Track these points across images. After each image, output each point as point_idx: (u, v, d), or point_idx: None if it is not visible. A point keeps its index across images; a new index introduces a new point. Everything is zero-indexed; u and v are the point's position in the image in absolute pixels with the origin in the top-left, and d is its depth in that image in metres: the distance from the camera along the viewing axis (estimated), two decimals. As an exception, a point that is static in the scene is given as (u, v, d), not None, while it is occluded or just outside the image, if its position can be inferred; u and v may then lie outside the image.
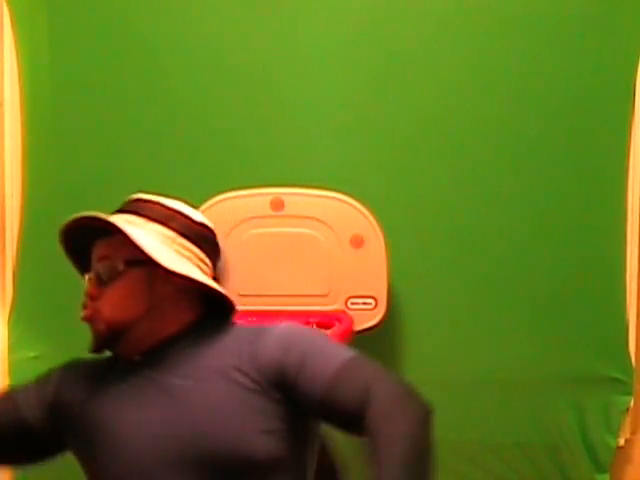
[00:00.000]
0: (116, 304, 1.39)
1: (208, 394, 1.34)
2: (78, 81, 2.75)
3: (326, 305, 2.46)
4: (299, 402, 1.33)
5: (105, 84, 2.74)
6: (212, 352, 1.39)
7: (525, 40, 2.66)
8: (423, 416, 1.26)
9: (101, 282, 1.40)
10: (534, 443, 2.72)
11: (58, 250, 2.88)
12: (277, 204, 2.49)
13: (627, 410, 2.71)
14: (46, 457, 1.51)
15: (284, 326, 1.40)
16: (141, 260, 1.38)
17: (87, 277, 1.44)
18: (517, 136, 2.69)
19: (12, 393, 1.49)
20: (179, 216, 1.45)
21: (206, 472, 1.31)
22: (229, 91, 2.72)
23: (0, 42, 2.79)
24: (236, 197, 2.52)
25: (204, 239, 1.46)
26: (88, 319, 1.40)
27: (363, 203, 2.47)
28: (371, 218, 2.46)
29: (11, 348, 2.78)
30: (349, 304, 2.46)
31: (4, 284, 2.82)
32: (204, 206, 2.57)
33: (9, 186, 2.82)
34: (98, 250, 1.44)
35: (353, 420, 1.28)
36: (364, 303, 2.46)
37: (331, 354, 1.35)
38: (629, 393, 2.70)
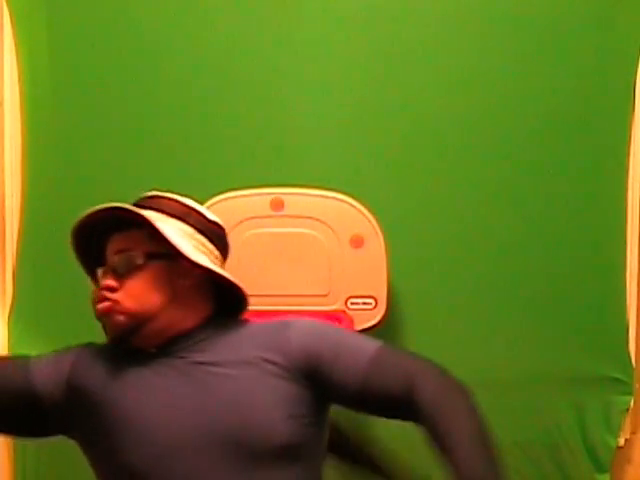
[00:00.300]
0: (137, 296, 1.41)
1: (234, 380, 1.36)
2: (78, 81, 2.75)
3: (326, 305, 2.46)
4: (332, 390, 1.37)
5: (105, 84, 2.73)
6: (233, 343, 1.41)
7: (524, 40, 2.66)
8: (468, 391, 1.34)
9: (119, 275, 1.41)
10: (534, 443, 2.72)
11: (58, 250, 2.88)
12: (277, 204, 2.49)
13: (627, 410, 2.71)
14: (42, 434, 1.49)
15: (306, 319, 1.45)
16: (162, 253, 1.40)
17: (101, 270, 1.44)
18: (517, 136, 2.69)
19: (28, 363, 1.46)
20: (195, 213, 1.47)
21: (232, 456, 1.32)
22: (229, 91, 2.72)
23: (0, 42, 2.79)
24: (236, 197, 2.51)
25: (217, 237, 1.49)
26: (107, 311, 1.41)
27: (363, 203, 2.47)
28: (371, 218, 2.46)
29: (11, 348, 2.78)
30: (349, 304, 2.46)
31: (4, 284, 2.82)
32: (204, 206, 2.57)
33: (9, 186, 2.82)
34: (115, 243, 1.45)
35: (398, 404, 1.33)
36: (364, 303, 2.46)
37: (362, 343, 1.40)
38: (629, 393, 2.70)
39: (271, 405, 1.34)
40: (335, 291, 2.47)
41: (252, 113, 2.71)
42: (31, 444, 2.78)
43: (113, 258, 1.43)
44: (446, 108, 2.68)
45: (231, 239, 2.56)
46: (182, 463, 1.32)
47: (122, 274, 1.41)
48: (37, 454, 2.78)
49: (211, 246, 1.47)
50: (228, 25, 2.71)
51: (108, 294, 1.41)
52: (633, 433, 2.77)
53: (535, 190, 2.69)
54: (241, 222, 2.49)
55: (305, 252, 2.47)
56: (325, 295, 2.47)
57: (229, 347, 1.40)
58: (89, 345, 1.49)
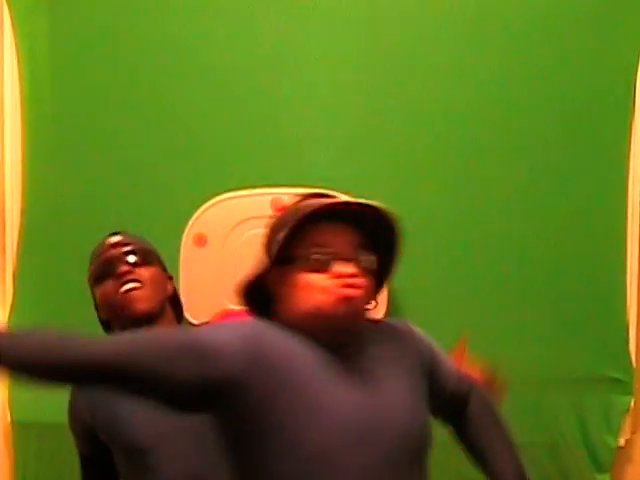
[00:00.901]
0: (366, 297, 1.46)
1: (396, 380, 1.44)
2: (78, 81, 2.75)
3: (326, 305, 2.46)
4: (435, 393, 1.53)
5: (105, 84, 2.73)
6: (384, 343, 1.50)
7: (525, 41, 2.66)
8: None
9: (362, 272, 1.44)
10: (534, 443, 2.71)
11: (58, 250, 2.87)
12: (277, 204, 2.49)
13: (627, 410, 2.71)
14: (198, 410, 1.42)
15: (413, 325, 1.61)
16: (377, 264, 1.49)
17: (345, 257, 1.43)
18: (517, 137, 2.68)
19: (197, 342, 1.36)
20: None
21: (398, 453, 1.39)
22: (230, 91, 2.72)
23: (0, 42, 2.79)
24: (236, 197, 2.52)
25: None
26: (356, 296, 1.40)
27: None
28: (371, 218, 2.46)
29: (11, 348, 2.78)
30: (349, 304, 2.45)
31: (4, 284, 2.82)
32: (204, 206, 2.57)
33: (9, 186, 2.82)
34: (352, 236, 1.46)
35: (460, 408, 1.59)
36: (364, 303, 2.45)
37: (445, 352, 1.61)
38: (629, 393, 2.70)
39: (423, 406, 1.47)
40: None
41: (252, 113, 2.70)
42: (31, 444, 2.78)
43: (360, 252, 1.45)
44: (446, 109, 2.68)
45: (231, 239, 2.59)
46: (361, 454, 1.35)
47: (365, 273, 1.44)
48: (37, 454, 2.78)
49: None
50: (230, 25, 2.71)
51: (359, 282, 1.42)
52: (633, 433, 2.77)
53: (535, 190, 2.69)
54: (241, 222, 2.49)
55: (305, 252, 2.46)
56: (325, 295, 2.46)
57: (384, 346, 1.49)
58: (265, 327, 1.45)
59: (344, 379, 1.39)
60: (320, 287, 1.40)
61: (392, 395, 1.41)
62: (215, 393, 1.36)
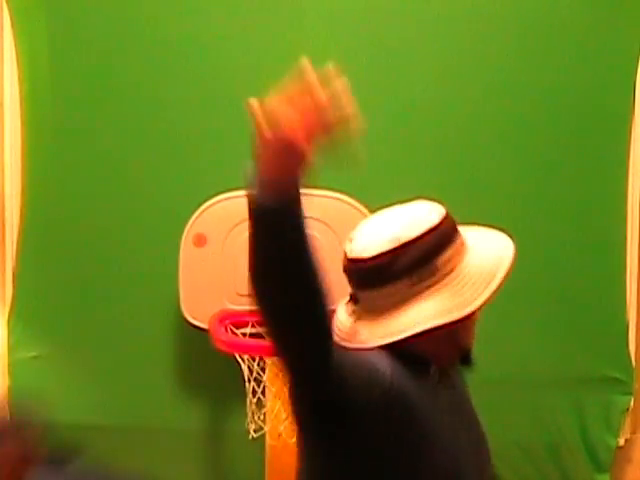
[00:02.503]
0: None
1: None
2: (78, 81, 2.75)
3: (326, 305, 2.45)
4: None
5: (105, 83, 2.73)
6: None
7: (525, 40, 2.66)
8: None
9: None
10: (534, 443, 2.72)
11: (58, 250, 2.88)
12: (277, 204, 2.48)
13: (627, 410, 2.72)
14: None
15: None
16: None
17: None
18: (517, 136, 2.69)
19: None
20: None
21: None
22: (230, 90, 2.72)
23: (0, 42, 2.79)
24: (236, 197, 2.51)
25: None
26: None
27: (363, 203, 2.47)
28: (371, 218, 2.46)
29: (11, 348, 2.78)
30: (349, 304, 2.45)
31: (4, 284, 2.82)
32: (204, 206, 2.57)
33: (9, 186, 2.82)
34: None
35: None
36: (364, 303, 2.45)
37: None
38: (629, 393, 2.70)
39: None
40: (335, 291, 2.46)
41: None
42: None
43: None
44: (446, 109, 2.68)
45: (231, 239, 2.58)
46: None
47: None
48: (37, 454, 2.78)
49: None
50: (231, 24, 2.71)
51: None
52: (633, 433, 2.77)
53: (535, 190, 2.69)
54: (241, 222, 2.49)
55: (305, 252, 2.46)
56: (325, 295, 2.46)
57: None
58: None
59: (455, 408, 1.49)
60: None
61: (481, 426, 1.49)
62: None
